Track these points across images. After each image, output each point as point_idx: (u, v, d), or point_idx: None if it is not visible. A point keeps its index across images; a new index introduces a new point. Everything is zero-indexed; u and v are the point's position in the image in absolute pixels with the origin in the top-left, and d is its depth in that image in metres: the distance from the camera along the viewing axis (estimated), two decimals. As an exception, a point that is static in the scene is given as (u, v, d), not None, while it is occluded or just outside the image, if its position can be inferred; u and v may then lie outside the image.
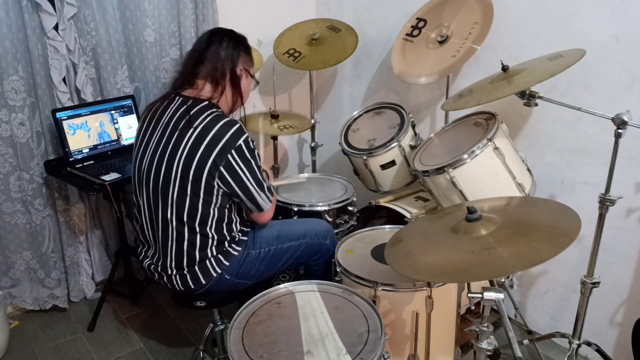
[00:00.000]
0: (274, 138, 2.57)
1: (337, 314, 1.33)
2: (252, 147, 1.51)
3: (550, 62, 1.62)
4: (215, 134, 1.46)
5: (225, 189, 1.50)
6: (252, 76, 1.67)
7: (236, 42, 1.60)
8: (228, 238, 1.58)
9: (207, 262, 1.56)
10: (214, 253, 1.56)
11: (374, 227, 1.87)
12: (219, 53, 1.56)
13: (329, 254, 1.77)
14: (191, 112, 1.50)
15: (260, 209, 1.59)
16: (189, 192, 1.48)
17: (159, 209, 1.54)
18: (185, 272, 1.56)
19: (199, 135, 1.46)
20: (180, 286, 1.59)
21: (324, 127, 2.96)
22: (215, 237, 1.55)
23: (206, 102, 1.53)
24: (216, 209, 1.52)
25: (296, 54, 2.45)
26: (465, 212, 1.29)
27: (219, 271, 1.57)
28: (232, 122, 1.49)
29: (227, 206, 1.56)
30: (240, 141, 1.47)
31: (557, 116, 1.89)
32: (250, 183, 1.52)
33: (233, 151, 1.46)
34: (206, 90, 1.57)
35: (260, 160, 1.56)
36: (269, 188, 1.60)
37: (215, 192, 1.50)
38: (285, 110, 2.69)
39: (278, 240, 1.68)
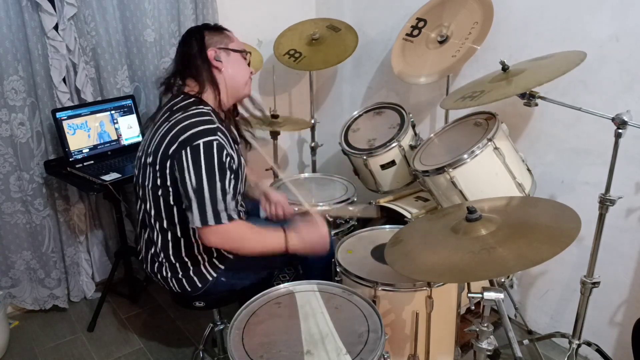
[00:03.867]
0: (274, 137, 2.57)
1: (337, 314, 1.33)
2: (213, 153, 1.35)
3: (549, 60, 1.62)
4: (180, 129, 1.38)
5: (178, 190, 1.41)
6: (238, 50, 1.56)
7: (198, 32, 1.54)
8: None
9: (202, 267, 1.55)
10: (205, 258, 1.54)
11: (374, 227, 1.87)
12: (189, 49, 1.53)
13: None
14: (174, 108, 1.47)
15: (193, 221, 1.39)
16: (160, 191, 1.45)
17: (142, 209, 1.54)
18: (180, 276, 1.56)
19: (167, 130, 1.42)
20: (177, 289, 1.58)
21: (324, 127, 2.96)
22: (200, 242, 1.50)
23: (193, 99, 1.49)
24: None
25: (296, 55, 2.45)
26: (465, 212, 1.29)
27: (215, 275, 1.56)
28: (204, 122, 1.40)
29: None
30: (200, 141, 1.35)
31: (557, 116, 1.89)
32: (191, 187, 1.36)
33: (188, 148, 1.35)
34: (193, 87, 1.53)
35: (227, 175, 1.40)
36: (220, 210, 1.38)
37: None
38: (285, 114, 2.69)
39: None
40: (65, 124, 2.09)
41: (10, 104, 2.02)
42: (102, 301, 2.31)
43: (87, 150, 2.17)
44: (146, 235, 1.58)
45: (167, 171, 1.42)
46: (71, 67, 2.18)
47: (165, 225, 1.51)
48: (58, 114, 2.07)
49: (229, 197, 1.40)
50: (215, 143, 1.37)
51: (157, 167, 1.43)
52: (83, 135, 2.16)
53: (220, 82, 1.53)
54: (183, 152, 1.36)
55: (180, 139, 1.37)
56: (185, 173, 1.36)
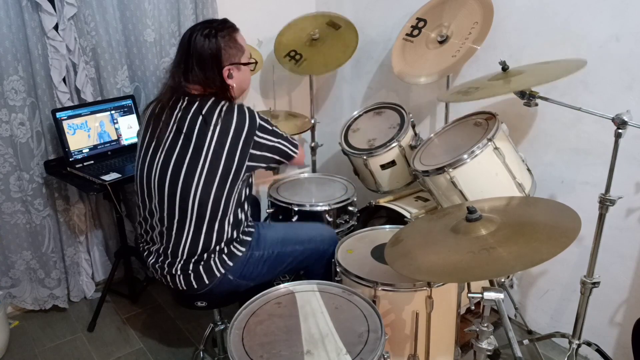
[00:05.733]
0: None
1: (337, 314, 1.33)
2: (265, 117, 1.60)
3: (550, 65, 1.62)
4: (236, 127, 1.52)
5: (258, 164, 1.60)
6: (245, 63, 1.63)
7: (214, 39, 1.54)
8: (238, 233, 1.60)
9: (212, 261, 1.56)
10: (223, 251, 1.57)
11: (374, 227, 1.87)
12: (201, 59, 1.54)
13: (330, 259, 1.77)
14: (203, 113, 1.52)
15: (292, 155, 1.70)
16: (215, 185, 1.52)
17: (176, 208, 1.54)
18: (189, 271, 1.56)
19: (222, 131, 1.51)
20: (184, 286, 1.59)
21: (324, 127, 2.96)
22: (230, 231, 1.57)
23: (213, 99, 1.55)
24: (234, 203, 1.57)
25: (297, 57, 2.45)
26: (465, 212, 1.29)
27: (223, 271, 1.57)
28: (242, 108, 1.55)
29: (242, 199, 1.60)
30: (258, 120, 1.56)
31: (557, 116, 1.89)
32: (281, 143, 1.64)
33: (257, 132, 1.56)
34: (207, 90, 1.58)
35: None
36: (291, 141, 1.70)
37: (239, 184, 1.56)
38: (285, 109, 2.69)
39: (283, 243, 1.68)
40: (65, 124, 2.09)
41: (10, 104, 2.02)
42: (102, 301, 2.31)
43: (87, 150, 2.17)
44: (167, 234, 1.58)
45: (235, 165, 1.53)
46: (71, 67, 2.18)
47: (206, 219, 1.53)
48: (58, 114, 2.07)
49: None
50: (258, 113, 1.59)
51: (221, 165, 1.52)
52: (83, 135, 2.16)
53: (230, 94, 1.62)
54: (256, 137, 1.56)
55: (244, 136, 1.53)
56: (270, 143, 1.61)
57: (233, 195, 1.56)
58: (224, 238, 1.56)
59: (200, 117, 1.51)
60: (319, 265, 1.77)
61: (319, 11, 2.83)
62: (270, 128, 1.62)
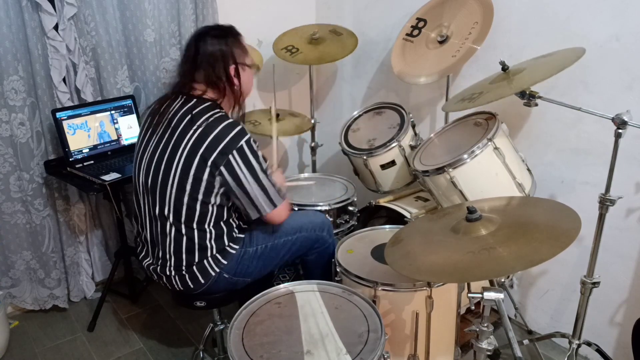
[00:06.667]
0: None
1: (337, 314, 1.33)
2: (254, 148, 1.50)
3: (549, 58, 1.62)
4: (217, 135, 1.46)
5: (225, 189, 1.50)
6: (249, 65, 1.64)
7: (224, 39, 1.57)
8: (226, 234, 1.58)
9: (205, 261, 1.56)
10: (214, 251, 1.56)
11: (374, 227, 1.87)
12: (210, 57, 1.55)
13: (326, 245, 1.77)
14: (194, 112, 1.50)
15: (261, 212, 1.55)
16: (187, 191, 1.48)
17: (157, 207, 1.54)
18: (183, 272, 1.56)
19: (201, 135, 1.46)
20: (180, 286, 1.59)
21: (324, 127, 2.96)
22: (214, 232, 1.55)
23: (210, 103, 1.54)
24: (215, 207, 1.53)
25: (294, 50, 2.45)
26: (465, 212, 1.29)
27: (217, 270, 1.57)
28: (235, 124, 1.49)
29: (226, 205, 1.56)
30: (242, 142, 1.47)
31: (557, 116, 1.89)
32: (250, 185, 1.50)
33: (234, 152, 1.46)
34: (208, 91, 1.57)
35: (266, 162, 1.55)
36: (277, 191, 1.57)
37: (214, 192, 1.50)
38: (285, 109, 2.70)
39: (274, 236, 1.67)
40: (65, 124, 2.09)
41: (10, 104, 2.02)
42: (102, 301, 2.31)
43: (87, 150, 2.17)
44: (154, 234, 1.59)
45: (205, 176, 1.47)
46: (71, 67, 2.18)
47: (182, 222, 1.52)
48: (58, 114, 2.07)
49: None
50: (250, 138, 1.49)
51: (192, 172, 1.47)
52: (83, 135, 2.16)
53: (235, 95, 1.61)
54: (230, 157, 1.45)
55: (220, 147, 1.45)
56: (240, 175, 1.48)
57: (210, 205, 1.52)
58: (207, 241, 1.54)
59: (189, 116, 1.50)
60: (314, 252, 1.77)
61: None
62: (251, 159, 1.48)
